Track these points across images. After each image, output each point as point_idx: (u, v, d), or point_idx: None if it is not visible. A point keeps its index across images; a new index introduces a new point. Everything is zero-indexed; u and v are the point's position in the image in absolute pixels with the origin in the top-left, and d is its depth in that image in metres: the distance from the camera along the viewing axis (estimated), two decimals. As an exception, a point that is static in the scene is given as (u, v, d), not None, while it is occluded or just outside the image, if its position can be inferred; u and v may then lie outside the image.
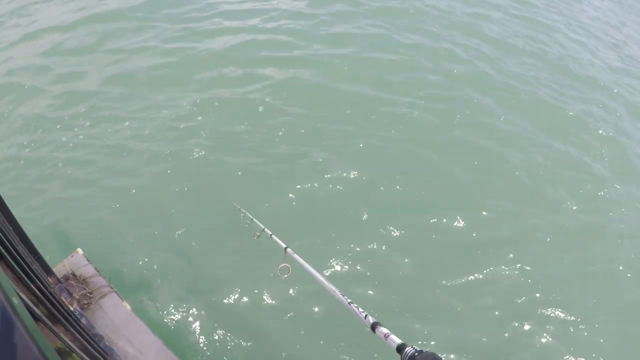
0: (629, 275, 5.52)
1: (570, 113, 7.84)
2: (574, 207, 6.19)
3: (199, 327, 4.39)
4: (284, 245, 2.47)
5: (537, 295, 5.10)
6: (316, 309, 4.58)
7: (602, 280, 5.41)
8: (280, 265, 2.33)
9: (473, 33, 9.64)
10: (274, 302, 4.65)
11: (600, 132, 7.55)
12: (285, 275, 2.30)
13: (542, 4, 11.90)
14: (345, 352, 4.33)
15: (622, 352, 4.76)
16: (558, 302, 5.07)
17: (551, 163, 6.78)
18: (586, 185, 6.57)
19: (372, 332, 1.42)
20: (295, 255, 2.27)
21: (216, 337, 4.33)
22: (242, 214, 3.78)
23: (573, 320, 4.92)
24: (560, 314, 4.96)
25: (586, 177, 6.73)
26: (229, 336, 4.35)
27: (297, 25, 9.01)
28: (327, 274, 4.84)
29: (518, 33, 10.11)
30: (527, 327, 4.81)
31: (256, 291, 4.69)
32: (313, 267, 2.00)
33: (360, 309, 1.53)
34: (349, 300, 1.60)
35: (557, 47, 9.96)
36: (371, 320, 1.45)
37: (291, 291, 4.71)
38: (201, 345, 4.27)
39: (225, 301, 4.63)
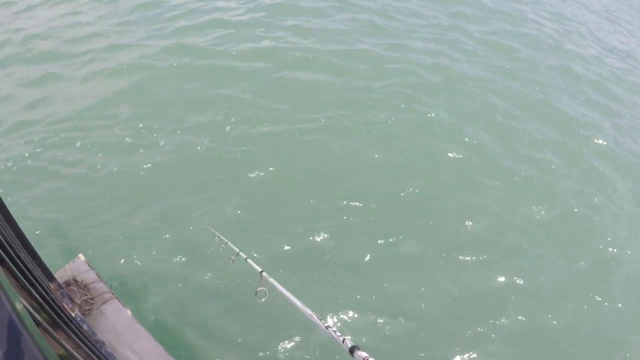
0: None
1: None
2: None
3: (199, 334, 4.37)
4: (259, 269, 2.47)
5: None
6: (297, 333, 4.43)
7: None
8: (258, 289, 2.32)
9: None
10: (256, 323, 4.53)
11: None
12: (263, 299, 2.30)
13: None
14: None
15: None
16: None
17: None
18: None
19: (351, 357, 1.41)
20: (271, 279, 2.27)
21: (216, 344, 4.31)
22: (217, 238, 3.77)
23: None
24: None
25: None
26: (229, 343, 4.34)
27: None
28: (303, 297, 4.67)
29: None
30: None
31: (247, 307, 4.62)
32: (289, 291, 2.00)
33: (338, 333, 1.52)
34: (326, 325, 1.60)
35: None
36: (349, 344, 1.45)
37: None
38: (202, 351, 4.25)
39: (224, 308, 4.61)
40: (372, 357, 1.30)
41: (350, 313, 4.63)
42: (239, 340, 4.36)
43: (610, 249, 5.86)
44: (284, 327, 4.44)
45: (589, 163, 7.11)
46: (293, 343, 4.33)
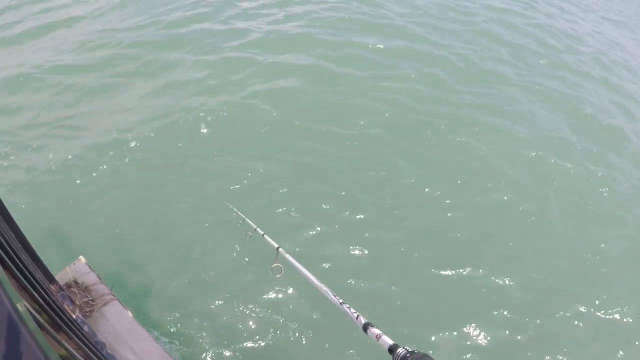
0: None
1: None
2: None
3: (200, 334, 4.37)
4: (276, 245, 2.46)
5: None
6: (311, 310, 4.59)
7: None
8: (273, 265, 2.32)
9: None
10: (269, 304, 4.67)
11: None
12: (278, 275, 2.30)
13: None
14: (337, 352, 4.33)
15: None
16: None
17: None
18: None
19: (364, 333, 1.41)
20: (287, 255, 2.26)
21: (217, 344, 4.31)
22: (235, 214, 3.78)
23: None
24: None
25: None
26: (230, 342, 4.34)
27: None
28: (318, 273, 4.80)
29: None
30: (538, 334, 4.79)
31: (253, 294, 4.73)
32: (305, 267, 1.99)
33: (352, 310, 1.51)
34: (340, 301, 1.58)
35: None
36: (363, 320, 1.44)
37: (286, 292, 4.75)
38: (203, 352, 4.25)
39: (224, 306, 4.64)
40: (386, 334, 1.29)
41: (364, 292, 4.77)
42: (242, 341, 4.36)
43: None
44: (282, 322, 4.51)
45: None
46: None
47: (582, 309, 5.13)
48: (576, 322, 5.00)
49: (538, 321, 4.92)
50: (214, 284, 4.81)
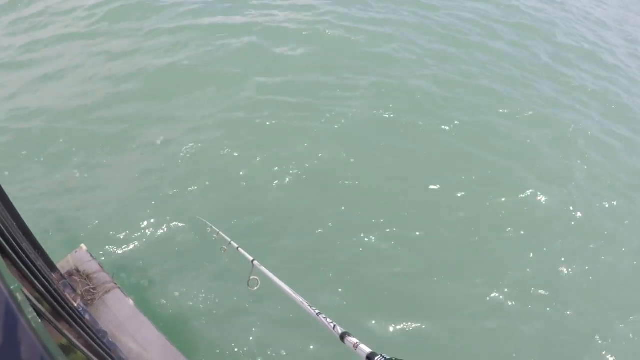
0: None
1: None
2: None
3: (202, 323, 4.40)
4: (251, 258, 2.47)
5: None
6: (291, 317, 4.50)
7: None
8: (250, 278, 2.32)
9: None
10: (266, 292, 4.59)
11: None
12: (255, 288, 2.30)
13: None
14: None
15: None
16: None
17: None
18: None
19: (342, 342, 1.41)
20: (263, 268, 2.26)
21: (219, 333, 4.34)
22: (209, 228, 3.79)
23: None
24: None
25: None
26: (231, 331, 4.37)
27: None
28: (295, 285, 4.86)
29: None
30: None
31: (236, 299, 4.67)
32: (280, 278, 2.00)
33: (329, 320, 1.52)
34: (317, 311, 1.60)
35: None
36: (340, 330, 1.44)
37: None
38: (204, 341, 4.28)
39: (225, 293, 4.66)
40: (363, 342, 1.29)
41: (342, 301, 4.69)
42: (241, 329, 4.39)
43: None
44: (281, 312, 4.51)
45: None
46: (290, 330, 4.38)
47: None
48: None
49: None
50: (215, 275, 4.82)
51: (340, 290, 4.82)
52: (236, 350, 4.24)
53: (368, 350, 1.22)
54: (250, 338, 4.32)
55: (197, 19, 8.99)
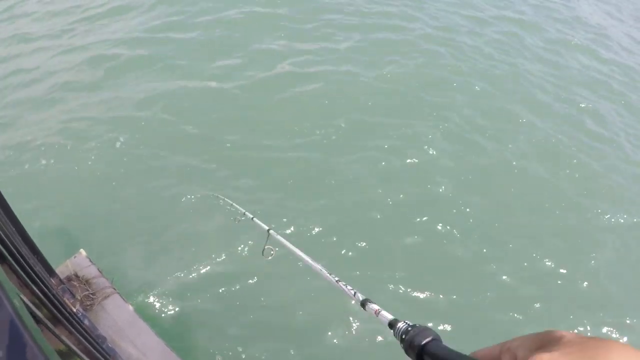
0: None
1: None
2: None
3: (202, 328, 4.37)
4: (266, 227, 2.40)
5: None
6: (309, 288, 4.54)
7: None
8: (265, 247, 2.29)
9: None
10: (267, 289, 4.62)
11: None
12: (270, 257, 2.27)
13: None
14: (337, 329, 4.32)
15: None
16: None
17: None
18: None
19: (362, 309, 1.38)
20: (279, 236, 2.21)
21: (219, 338, 4.31)
22: (222, 200, 3.77)
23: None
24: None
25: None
26: (232, 335, 4.34)
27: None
28: (311, 251, 4.79)
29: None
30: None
31: (250, 281, 4.69)
32: (297, 246, 1.94)
33: (349, 287, 1.46)
34: (336, 279, 1.54)
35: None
36: (360, 297, 1.38)
37: (281, 274, 4.65)
38: (204, 346, 4.25)
39: (225, 298, 4.63)
40: (384, 309, 1.26)
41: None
42: (242, 337, 4.36)
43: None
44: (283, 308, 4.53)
45: None
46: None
47: None
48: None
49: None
50: (216, 280, 4.79)
51: (357, 257, 4.94)
52: (236, 357, 4.21)
53: (390, 316, 1.18)
54: (252, 347, 4.29)
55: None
